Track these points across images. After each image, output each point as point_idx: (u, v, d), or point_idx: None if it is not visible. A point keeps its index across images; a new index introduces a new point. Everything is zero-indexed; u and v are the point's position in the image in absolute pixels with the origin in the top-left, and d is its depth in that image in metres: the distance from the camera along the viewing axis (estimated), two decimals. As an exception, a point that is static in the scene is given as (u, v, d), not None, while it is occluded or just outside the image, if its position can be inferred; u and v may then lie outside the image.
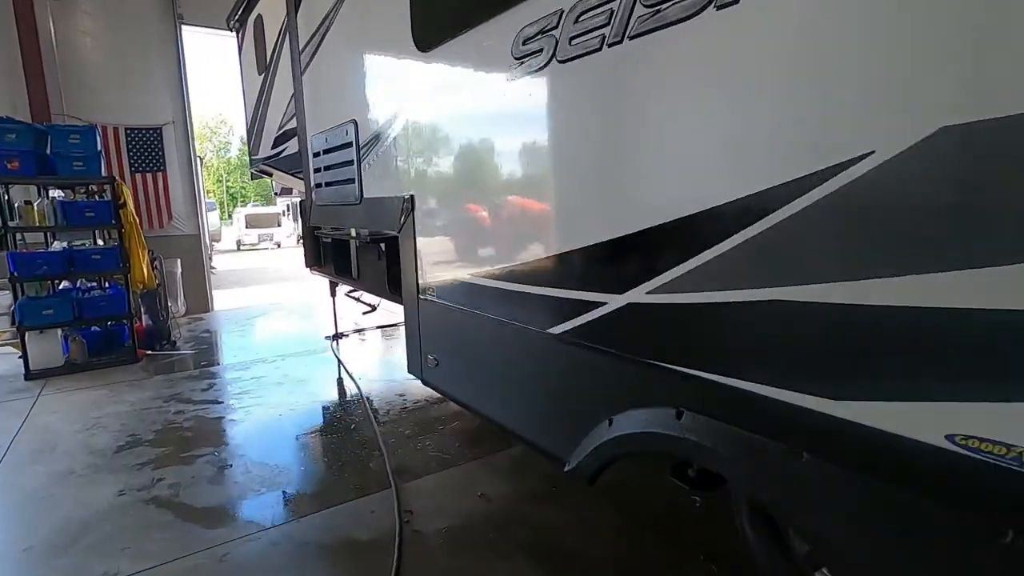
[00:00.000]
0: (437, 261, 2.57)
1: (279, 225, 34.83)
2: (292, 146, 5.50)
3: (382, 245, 3.54)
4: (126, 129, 9.10)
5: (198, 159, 10.03)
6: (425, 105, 2.50)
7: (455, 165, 2.32)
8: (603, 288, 1.62)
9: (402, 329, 8.29)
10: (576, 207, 1.70)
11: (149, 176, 9.28)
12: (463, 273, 2.33)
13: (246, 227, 33.15)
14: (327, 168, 3.77)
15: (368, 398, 5.10)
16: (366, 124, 3.10)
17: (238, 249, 32.10)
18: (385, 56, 2.81)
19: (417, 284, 2.71)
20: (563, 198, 1.76)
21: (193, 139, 9.75)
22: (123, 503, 3.35)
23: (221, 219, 36.88)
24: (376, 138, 2.99)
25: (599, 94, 1.58)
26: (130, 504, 3.33)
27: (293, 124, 5.38)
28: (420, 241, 2.65)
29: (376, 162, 3.04)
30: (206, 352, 7.14)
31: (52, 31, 8.51)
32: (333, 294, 7.51)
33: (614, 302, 1.58)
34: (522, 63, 1.84)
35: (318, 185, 4.06)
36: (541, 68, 1.76)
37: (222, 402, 5.16)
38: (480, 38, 2.06)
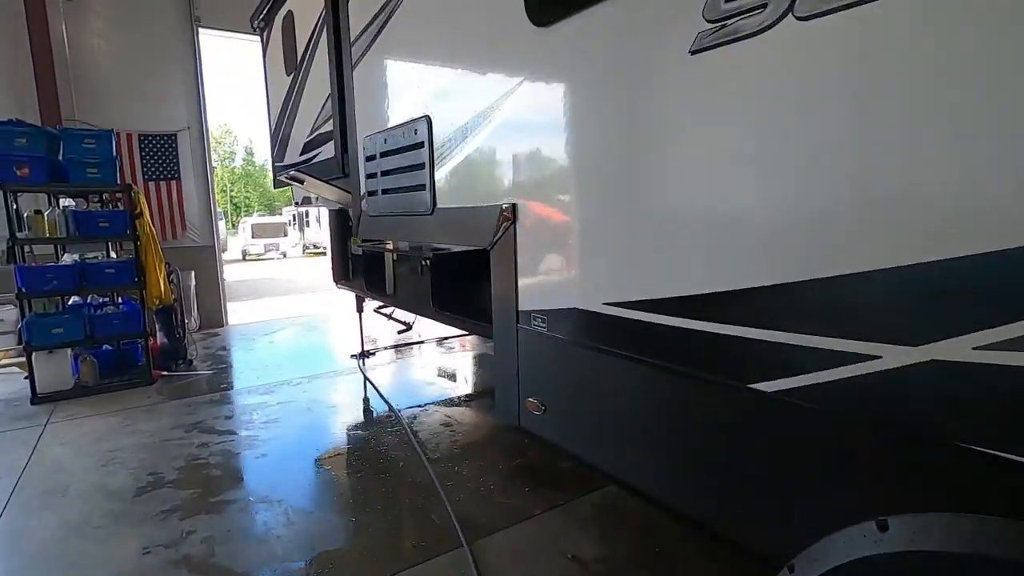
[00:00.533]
0: (551, 283, 2.08)
1: (285, 235, 34.56)
2: (327, 151, 5.05)
3: (454, 262, 3.08)
4: (139, 135, 8.68)
5: (212, 167, 9.60)
6: (540, 94, 2.03)
7: (592, 165, 1.84)
8: (885, 336, 1.13)
9: (434, 348, 7.91)
10: (844, 216, 1.21)
11: (163, 184, 8.85)
12: (595, 300, 1.85)
13: (252, 237, 32.82)
14: (385, 174, 3.31)
15: (412, 429, 4.59)
16: (445, 120, 2.63)
17: (244, 259, 31.74)
18: (479, 37, 2.35)
19: (516, 310, 2.23)
20: (819, 205, 1.27)
21: (209, 146, 9.33)
22: (150, 565, 2.84)
23: (227, 229, 36.48)
24: (458, 137, 2.52)
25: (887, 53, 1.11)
26: (159, 567, 2.82)
27: (329, 127, 4.94)
28: (523, 258, 2.17)
29: (458, 166, 2.57)
30: (225, 372, 6.65)
31: (64, 33, 8.12)
32: (360, 310, 7.04)
33: (900, 356, 1.10)
34: (722, 27, 1.37)
35: (371, 193, 3.59)
36: (762, 30, 1.30)
37: (249, 432, 4.66)
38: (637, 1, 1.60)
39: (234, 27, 9.39)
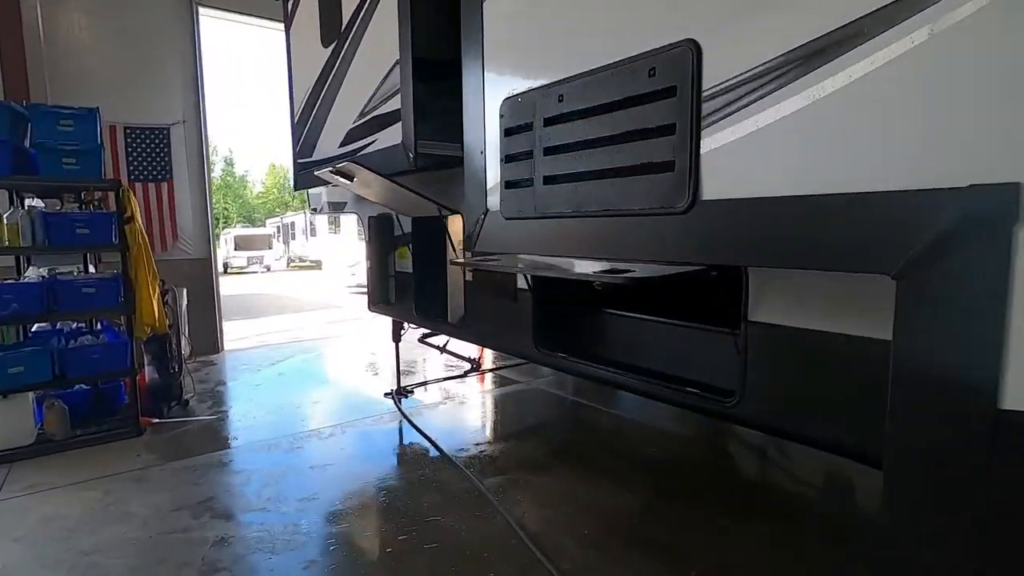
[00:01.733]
0: None
1: (270, 247, 33.10)
2: (387, 138, 3.88)
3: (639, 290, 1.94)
4: (126, 129, 7.37)
5: (210, 167, 8.31)
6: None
7: None
8: None
9: (475, 384, 6.72)
10: None
11: (152, 186, 7.52)
12: None
13: (235, 249, 31.25)
14: (554, 151, 2.14)
15: (515, 521, 3.36)
16: (738, 44, 1.48)
17: (225, 272, 30.08)
18: None
19: (992, 406, 1.07)
20: None
21: (207, 142, 8.04)
22: None
23: (207, 240, 34.64)
24: (783, 68, 1.37)
25: None
26: None
27: (391, 106, 3.77)
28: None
29: (777, 125, 1.42)
30: (230, 417, 5.33)
31: (39, 8, 6.82)
32: (398, 339, 5.80)
33: None
34: None
35: (512, 184, 2.42)
36: None
37: (285, 516, 3.39)
38: None
39: (240, 7, 8.19)
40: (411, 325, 5.75)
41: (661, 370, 2.40)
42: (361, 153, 4.25)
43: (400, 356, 5.85)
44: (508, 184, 2.55)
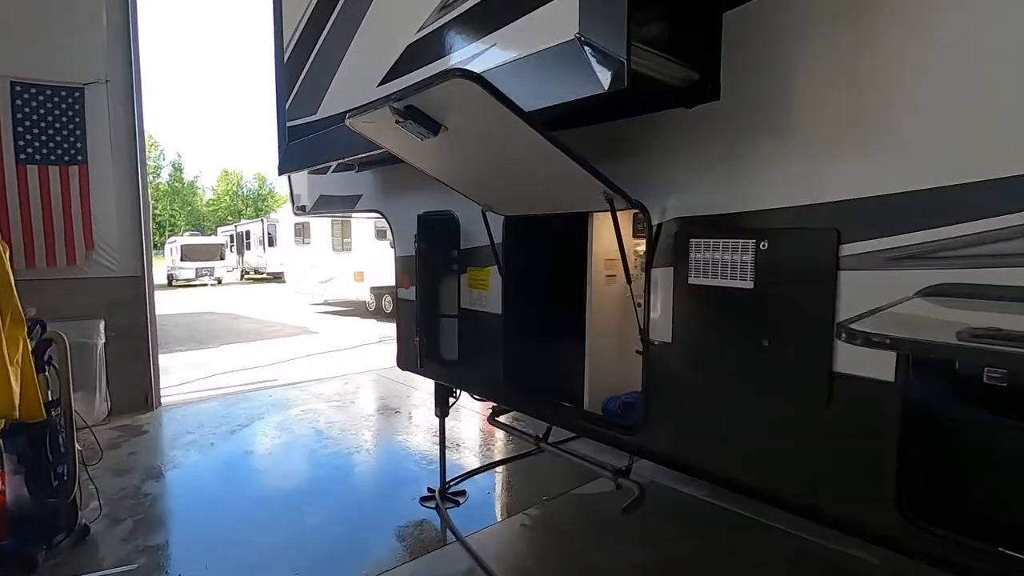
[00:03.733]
0: None
1: (221, 258, 30.14)
2: (519, 39, 1.82)
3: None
4: (14, 85, 4.99)
5: (144, 149, 5.97)
6: None
7: None
8: None
9: (549, 470, 3.92)
10: None
11: (54, 171, 5.14)
12: None
13: (181, 259, 28.11)
14: None
15: None
16: None
17: (170, 285, 27.02)
18: None
19: None
20: None
21: (141, 116, 5.71)
22: None
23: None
24: None
25: None
26: None
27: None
28: None
29: None
30: (168, 556, 3.07)
31: None
32: (443, 413, 3.68)
33: None
34: None
35: None
36: None
37: None
38: None
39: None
40: (478, 398, 3.64)
41: None
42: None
43: (445, 435, 3.71)
44: None
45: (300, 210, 4.76)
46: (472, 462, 4.42)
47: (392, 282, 3.71)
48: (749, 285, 1.82)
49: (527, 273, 2.79)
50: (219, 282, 28.73)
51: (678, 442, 2.09)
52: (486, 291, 2.91)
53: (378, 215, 4.02)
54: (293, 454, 4.69)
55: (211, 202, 68.20)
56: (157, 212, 60.33)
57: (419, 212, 3.22)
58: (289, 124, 3.44)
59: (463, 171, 2.36)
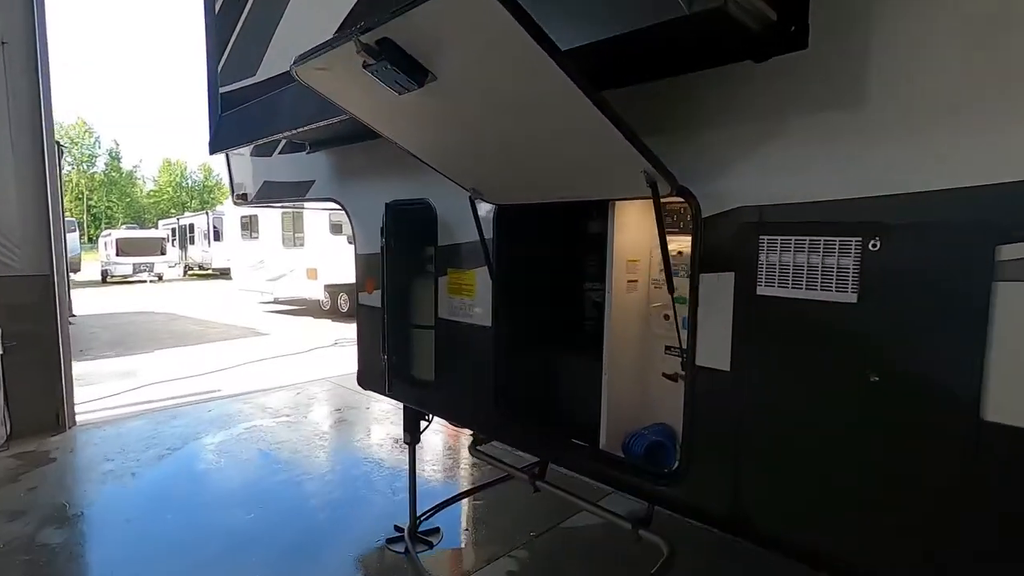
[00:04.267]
0: None
1: (162, 253, 28.49)
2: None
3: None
4: None
5: (51, 126, 5.11)
6: None
7: None
8: None
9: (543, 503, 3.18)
10: None
11: (-66, 148, 4.26)
12: None
13: (117, 254, 26.29)
14: None
15: None
16: None
17: (104, 281, 25.26)
18: None
19: None
20: None
21: (48, 86, 4.84)
22: None
23: (80, 243, 29.36)
24: None
25: None
26: None
27: None
28: None
29: None
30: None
31: None
32: (414, 439, 3.14)
33: None
34: None
35: None
36: None
37: None
38: None
39: None
40: (455, 427, 3.09)
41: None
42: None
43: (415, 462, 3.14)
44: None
45: (241, 199, 4.07)
46: (444, 486, 3.87)
47: (349, 279, 3.11)
48: (850, 298, 1.35)
49: (525, 276, 2.26)
50: (159, 279, 27.14)
51: (736, 500, 1.61)
52: (471, 297, 2.36)
53: (335, 205, 3.40)
54: (233, 485, 4.00)
55: (152, 193, 64.30)
56: (92, 203, 56.48)
57: (386, 200, 2.63)
58: (223, 90, 2.79)
59: (450, 143, 1.80)
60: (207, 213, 28.42)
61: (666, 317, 2.07)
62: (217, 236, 27.37)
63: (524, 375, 2.29)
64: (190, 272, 30.93)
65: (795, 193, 1.45)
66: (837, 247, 1.37)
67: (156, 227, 37.07)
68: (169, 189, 63.01)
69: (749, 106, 1.53)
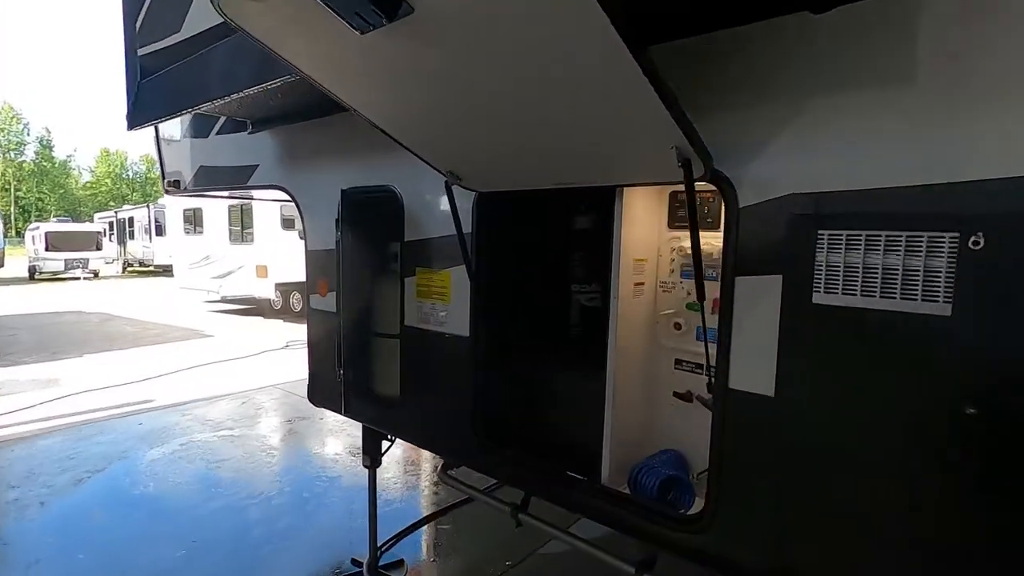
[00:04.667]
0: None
1: (98, 248, 26.86)
2: None
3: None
4: None
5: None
6: None
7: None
8: None
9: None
10: None
11: None
12: None
13: (46, 249, 24.50)
14: None
15: None
16: None
17: (32, 278, 23.54)
18: None
19: None
20: None
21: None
22: None
23: (6, 236, 27.37)
24: None
25: None
26: None
27: None
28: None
29: None
30: None
31: None
32: (374, 462, 2.75)
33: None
34: None
35: None
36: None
37: None
38: None
39: None
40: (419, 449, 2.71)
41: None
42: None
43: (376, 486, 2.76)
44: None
45: (173, 187, 3.56)
46: (408, 506, 3.49)
47: (303, 277, 2.71)
48: (942, 310, 1.07)
49: (509, 277, 1.92)
50: (95, 276, 25.55)
51: (778, 553, 1.32)
52: (445, 302, 2.00)
53: (283, 195, 2.96)
54: (164, 514, 3.49)
55: (89, 185, 60.59)
56: (21, 195, 52.79)
57: (342, 187, 2.24)
58: (142, 52, 2.32)
59: (424, 110, 1.44)
60: (148, 206, 26.93)
61: (677, 327, 1.77)
62: (160, 230, 25.90)
63: (507, 393, 1.95)
64: (130, 269, 29.36)
65: (866, 177, 1.16)
66: (925, 245, 1.08)
67: (92, 220, 34.93)
68: (108, 181, 59.53)
69: (805, 69, 1.23)
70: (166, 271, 23.60)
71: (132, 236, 29.21)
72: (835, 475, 1.24)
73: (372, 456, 2.70)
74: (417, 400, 2.17)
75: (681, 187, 1.39)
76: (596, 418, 1.75)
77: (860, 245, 1.15)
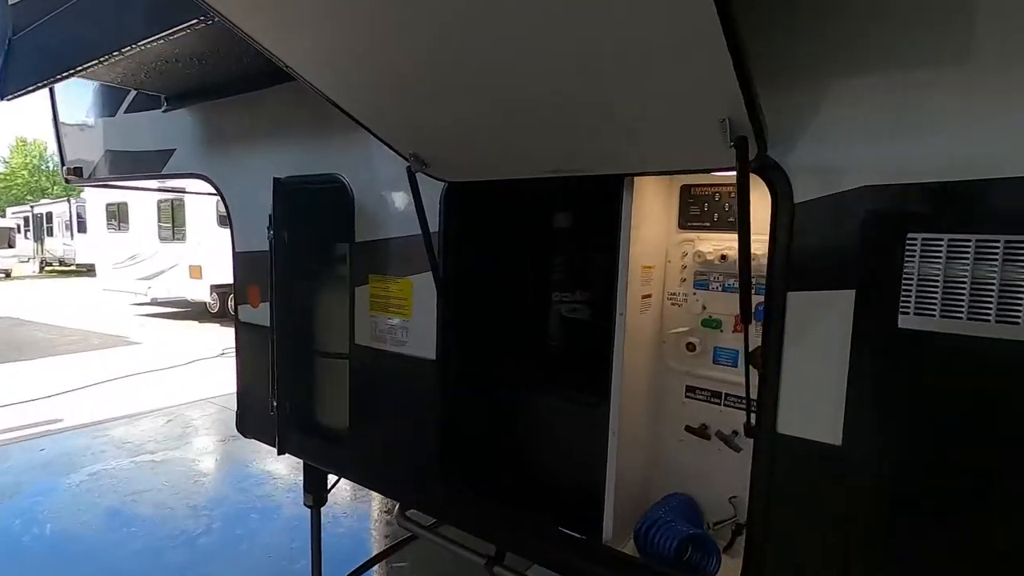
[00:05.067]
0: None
1: (11, 245, 25.07)
2: None
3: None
4: None
5: None
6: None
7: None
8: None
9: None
10: None
11: None
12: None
13: (-49, 247, 22.42)
14: None
15: None
16: None
17: (-68, 280, 21.37)
18: None
19: None
20: None
21: None
22: None
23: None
24: None
25: None
26: None
27: None
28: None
29: None
30: None
31: None
32: (318, 500, 2.34)
33: None
34: None
35: None
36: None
37: None
38: None
39: None
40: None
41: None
42: None
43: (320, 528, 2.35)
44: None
45: (74, 175, 3.01)
46: (355, 542, 3.08)
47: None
48: (1087, 340, 0.80)
49: (484, 287, 1.57)
50: (7, 275, 23.83)
51: (843, 644, 1.03)
52: (405, 317, 1.63)
53: (207, 186, 2.49)
54: (63, 563, 2.94)
55: (3, 177, 55.75)
56: (-75, 186, 47.94)
57: (276, 176, 1.82)
58: (12, 1, 1.82)
59: (383, 73, 1.07)
60: (69, 200, 25.04)
61: (690, 347, 1.47)
62: (82, 227, 24.07)
63: (482, 428, 1.61)
64: (48, 268, 27.31)
65: (979, 164, 0.88)
66: (1064, 254, 0.82)
67: (4, 215, 32.24)
68: (24, 173, 54.94)
69: (884, 29, 0.95)
70: (89, 271, 21.88)
71: (51, 233, 27.25)
72: (921, 550, 0.96)
73: (315, 495, 2.29)
74: (370, 435, 1.79)
75: (696, 179, 1.09)
76: (594, 458, 1.43)
77: (969, 253, 0.88)
